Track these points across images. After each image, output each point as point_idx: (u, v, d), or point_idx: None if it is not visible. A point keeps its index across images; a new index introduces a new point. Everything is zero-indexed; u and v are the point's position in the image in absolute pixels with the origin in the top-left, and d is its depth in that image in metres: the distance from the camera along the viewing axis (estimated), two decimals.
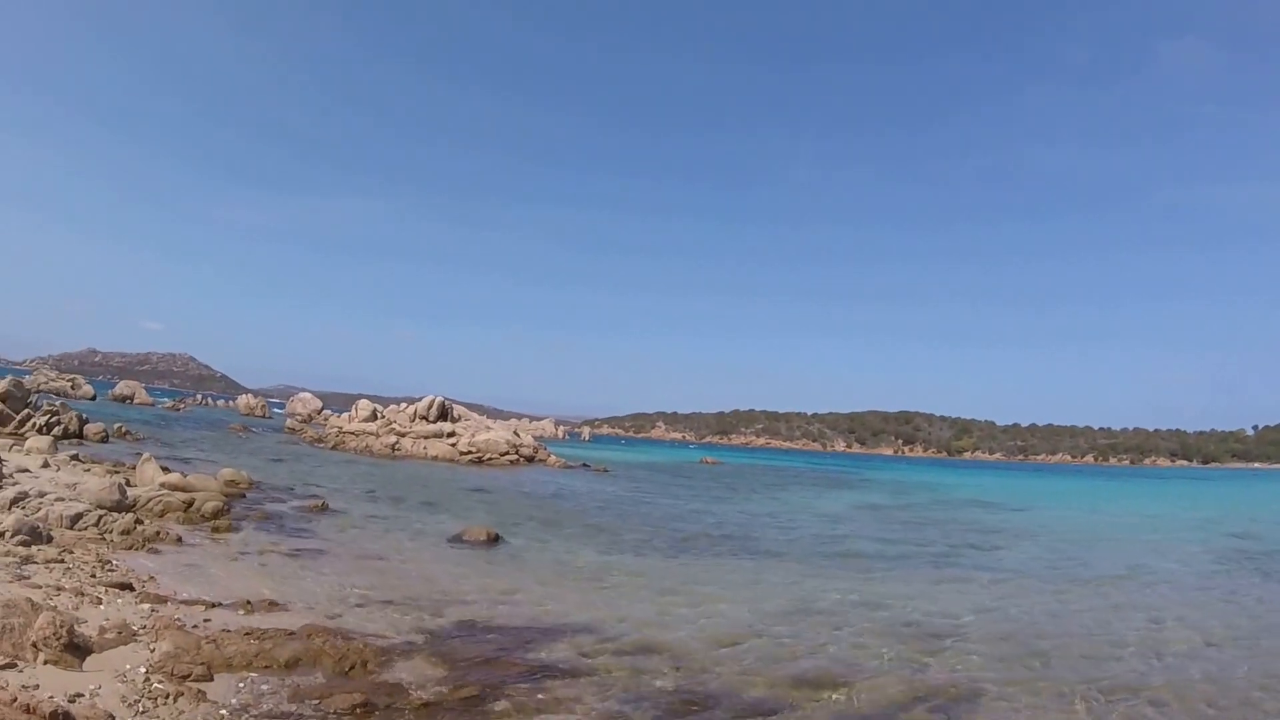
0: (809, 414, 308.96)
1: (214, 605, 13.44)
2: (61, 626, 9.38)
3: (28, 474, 21.52)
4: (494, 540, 23.19)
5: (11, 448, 26.35)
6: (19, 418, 39.36)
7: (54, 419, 40.21)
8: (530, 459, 64.52)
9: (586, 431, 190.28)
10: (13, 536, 14.42)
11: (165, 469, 26.12)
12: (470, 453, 60.75)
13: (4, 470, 19.70)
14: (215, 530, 20.60)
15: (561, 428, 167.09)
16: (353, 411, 71.08)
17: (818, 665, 13.02)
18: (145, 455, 26.19)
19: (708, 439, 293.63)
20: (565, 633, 13.91)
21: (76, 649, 9.53)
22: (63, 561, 14.25)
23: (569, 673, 11.72)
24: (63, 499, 18.48)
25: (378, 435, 62.40)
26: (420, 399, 67.53)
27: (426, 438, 62.03)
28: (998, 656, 14.20)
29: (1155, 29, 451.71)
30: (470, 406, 72.56)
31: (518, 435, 67.92)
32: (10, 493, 17.58)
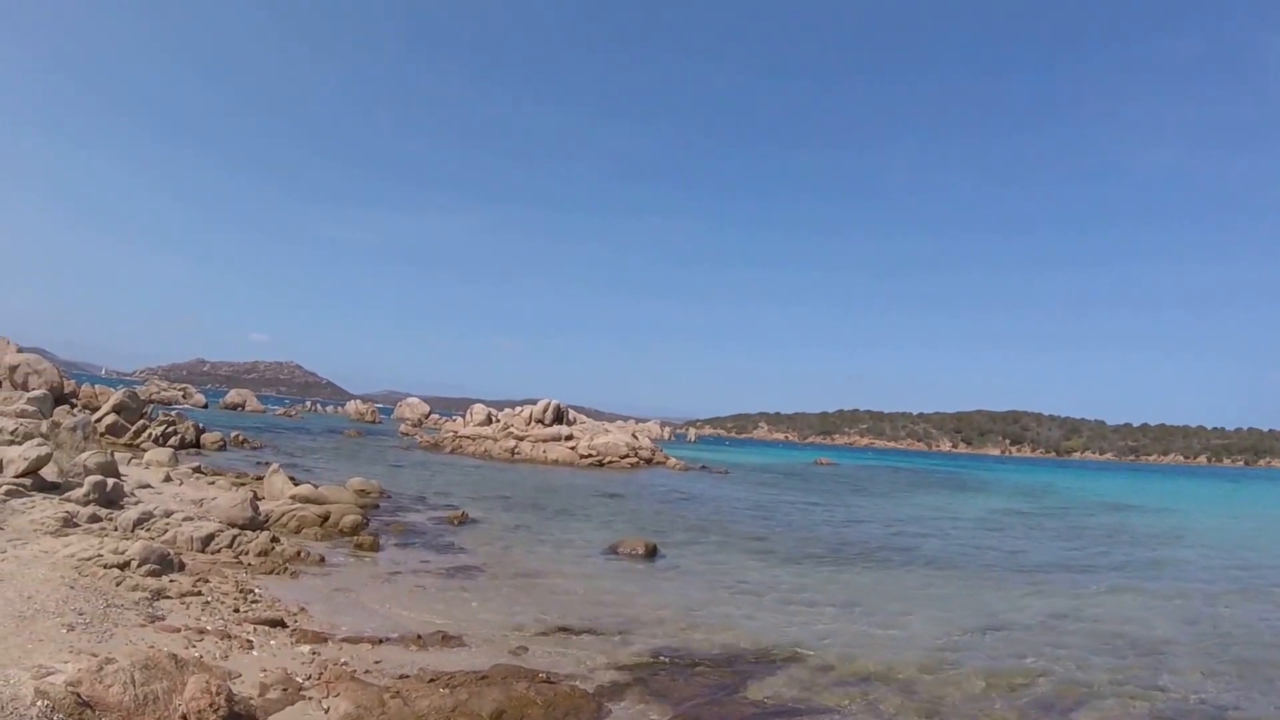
0: (914, 414, 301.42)
1: (380, 641, 11.21)
2: (218, 693, 6.91)
3: (149, 490, 19.52)
4: (652, 553, 21.01)
5: (130, 460, 24.54)
6: (134, 428, 38.04)
7: (170, 429, 38.84)
8: (648, 461, 62.19)
9: (692, 433, 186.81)
10: (140, 566, 12.14)
11: (293, 480, 24.11)
12: (590, 456, 58.47)
13: (125, 487, 17.59)
14: (358, 548, 18.32)
15: (667, 429, 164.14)
16: (467, 416, 69.50)
17: (1051, 689, 11.71)
18: (273, 466, 24.18)
19: (811, 439, 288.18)
20: (774, 661, 12.26)
21: (237, 718, 7.07)
22: (199, 594, 11.94)
23: (805, 710, 10.18)
24: (191, 518, 16.32)
25: (495, 439, 60.51)
26: (524, 402, 65.83)
27: (545, 441, 59.97)
28: (1229, 675, 12.94)
29: (1264, 26, 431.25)
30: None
31: (635, 438, 65.59)
32: (133, 513, 15.43)
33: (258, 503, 18.67)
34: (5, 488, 15.23)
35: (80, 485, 16.29)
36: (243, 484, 24.93)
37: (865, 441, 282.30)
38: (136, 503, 16.73)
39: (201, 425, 43.14)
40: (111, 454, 20.05)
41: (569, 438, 61.24)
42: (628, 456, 60.25)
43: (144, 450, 36.05)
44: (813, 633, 14.07)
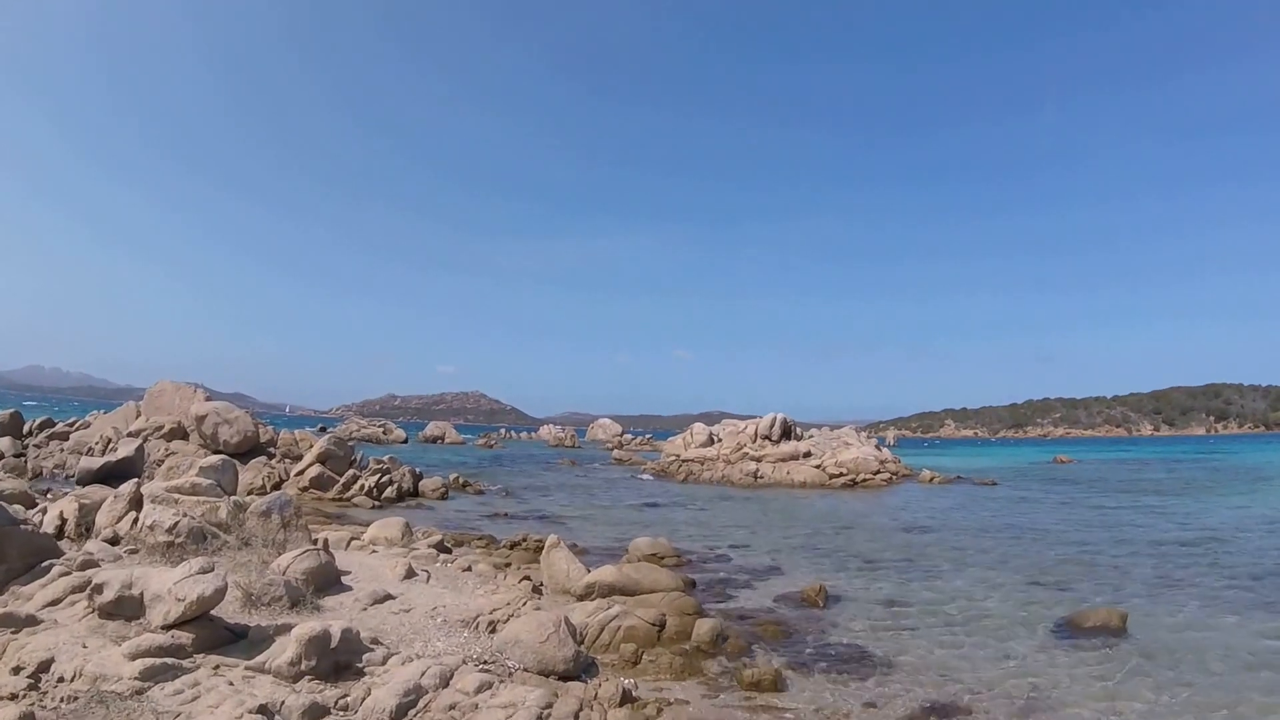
0: (1109, 397, 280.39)
1: None
2: None
3: (390, 603, 11.82)
4: (1123, 625, 14.76)
5: (350, 543, 17.03)
6: (343, 480, 31.44)
7: (384, 478, 32.08)
8: (896, 475, 53.95)
9: (892, 435, 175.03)
10: None
11: (575, 546, 16.50)
12: (840, 475, 50.12)
13: (359, 630, 9.80)
14: (753, 688, 10.60)
15: (862, 433, 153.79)
16: (687, 436, 61.97)
17: None
18: (551, 539, 16.41)
19: (1001, 433, 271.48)
20: None
21: None
22: None
23: None
24: (487, 682, 8.55)
25: (731, 462, 52.66)
26: (702, 415, 58.41)
27: (786, 461, 51.82)
28: None
29: None
30: (744, 419, 62.11)
31: (880, 450, 57.28)
32: (389, 696, 7.72)
33: (570, 620, 10.94)
34: (142, 663, 7.70)
35: (284, 636, 8.71)
36: (505, 564, 17.52)
37: (1060, 432, 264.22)
38: (383, 660, 8.98)
39: (420, 471, 36.47)
40: (324, 546, 12.57)
41: (808, 454, 53.17)
42: (879, 472, 52.06)
43: (354, 504, 29.52)
44: None
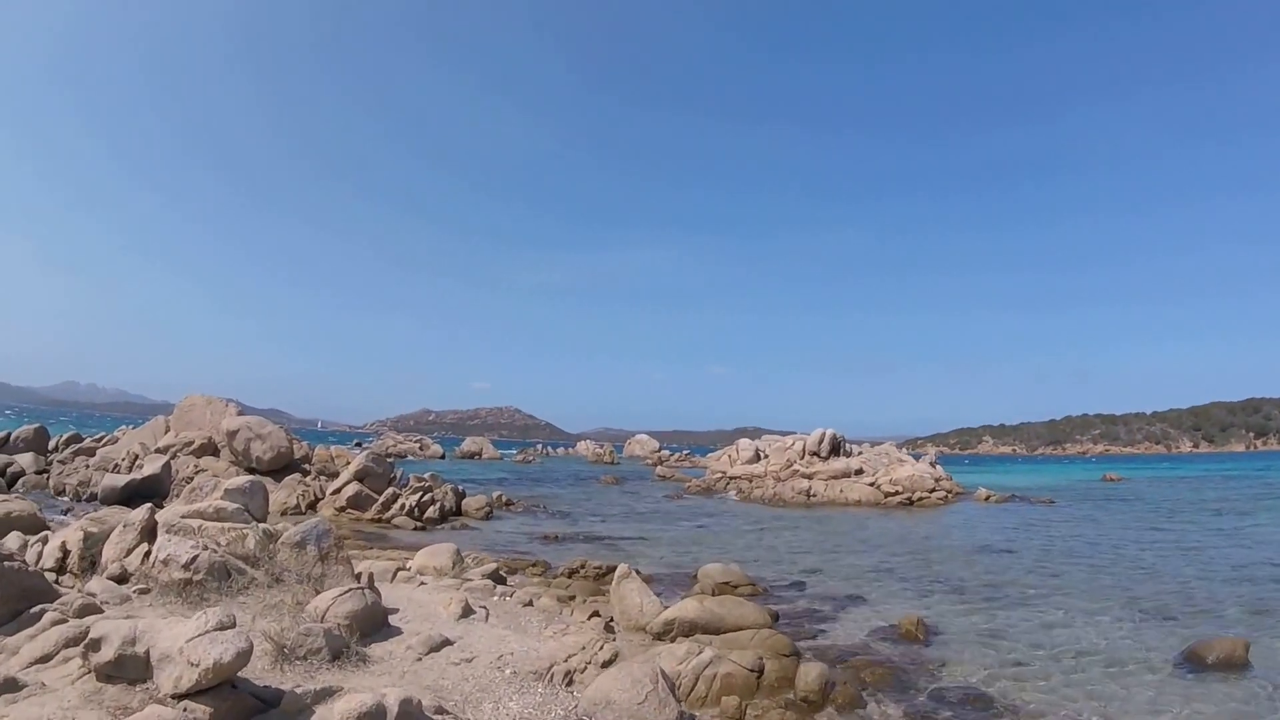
0: (1148, 413, 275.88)
1: None
2: None
3: (448, 650, 9.99)
4: (1247, 657, 13.53)
5: (396, 575, 15.10)
6: (382, 499, 29.66)
7: (426, 497, 30.28)
8: (951, 493, 51.81)
9: (933, 451, 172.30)
10: None
11: (638, 574, 14.66)
12: (896, 493, 48.18)
13: (418, 695, 7.92)
14: None
15: (902, 449, 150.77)
16: (732, 452, 60.15)
17: None
18: (621, 568, 14.64)
19: (1040, 450, 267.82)
20: None
21: None
22: None
23: None
24: None
25: (781, 479, 50.67)
26: (737, 432, 56.50)
27: (839, 478, 49.80)
28: None
29: None
30: (783, 435, 60.28)
31: (934, 467, 55.15)
32: None
33: (664, 675, 9.08)
34: None
35: (325, 705, 6.87)
36: (569, 596, 15.67)
37: (1100, 449, 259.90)
38: None
39: (463, 489, 34.69)
40: (369, 583, 10.71)
41: (859, 471, 51.21)
42: (935, 491, 50.11)
43: (395, 525, 27.82)
44: None
